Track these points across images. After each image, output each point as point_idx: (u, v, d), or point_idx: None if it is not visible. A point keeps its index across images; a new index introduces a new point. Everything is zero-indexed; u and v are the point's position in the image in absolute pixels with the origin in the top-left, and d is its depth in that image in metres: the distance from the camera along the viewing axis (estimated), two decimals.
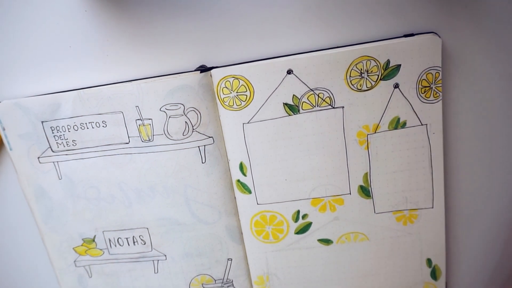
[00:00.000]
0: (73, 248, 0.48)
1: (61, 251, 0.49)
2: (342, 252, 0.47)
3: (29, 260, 0.52)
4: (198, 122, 0.43)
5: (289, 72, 0.41)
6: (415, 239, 0.47)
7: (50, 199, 0.47)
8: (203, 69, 0.42)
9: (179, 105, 0.42)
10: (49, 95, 0.43)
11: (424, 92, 0.42)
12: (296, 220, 0.46)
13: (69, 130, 0.44)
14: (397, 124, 0.43)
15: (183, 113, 0.42)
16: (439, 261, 0.47)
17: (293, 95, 0.42)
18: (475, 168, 0.45)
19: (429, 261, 0.47)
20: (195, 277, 0.49)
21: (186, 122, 0.43)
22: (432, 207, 0.45)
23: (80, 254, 0.49)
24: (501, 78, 0.42)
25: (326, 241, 0.47)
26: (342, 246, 0.47)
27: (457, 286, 0.50)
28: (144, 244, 0.48)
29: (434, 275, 0.48)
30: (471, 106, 0.43)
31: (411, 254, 0.47)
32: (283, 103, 0.42)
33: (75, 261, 0.49)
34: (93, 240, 0.48)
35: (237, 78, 0.42)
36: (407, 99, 0.42)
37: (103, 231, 0.48)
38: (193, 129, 0.43)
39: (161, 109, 0.42)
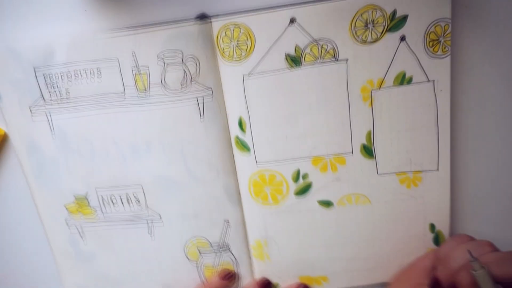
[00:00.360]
0: (64, 205, 0.47)
1: (52, 208, 0.47)
2: (343, 215, 0.46)
3: (29, 247, 0.50)
4: (197, 72, 0.41)
5: (292, 21, 0.40)
6: (418, 203, 0.45)
7: (41, 153, 0.45)
8: (204, 17, 0.41)
9: (178, 52, 0.40)
10: (43, 40, 0.42)
11: (432, 46, 0.40)
12: (296, 180, 0.45)
13: (62, 78, 0.42)
14: (403, 79, 0.41)
15: (181, 61, 0.41)
16: (443, 227, 0.46)
17: (296, 45, 0.40)
18: (484, 128, 0.43)
19: (432, 227, 0.46)
20: (190, 239, 0.47)
21: (184, 71, 0.41)
22: (437, 170, 0.44)
23: (71, 212, 0.47)
24: None
25: (327, 203, 0.46)
26: (342, 209, 0.46)
27: None
28: (139, 202, 0.46)
29: (437, 241, 0.46)
30: (482, 61, 0.41)
31: (414, 219, 0.46)
32: (285, 54, 0.41)
33: (66, 219, 0.47)
34: (85, 198, 0.46)
35: (238, 26, 0.40)
36: (414, 53, 0.40)
37: (95, 188, 0.46)
38: (191, 79, 0.41)
39: (159, 56, 0.41)
